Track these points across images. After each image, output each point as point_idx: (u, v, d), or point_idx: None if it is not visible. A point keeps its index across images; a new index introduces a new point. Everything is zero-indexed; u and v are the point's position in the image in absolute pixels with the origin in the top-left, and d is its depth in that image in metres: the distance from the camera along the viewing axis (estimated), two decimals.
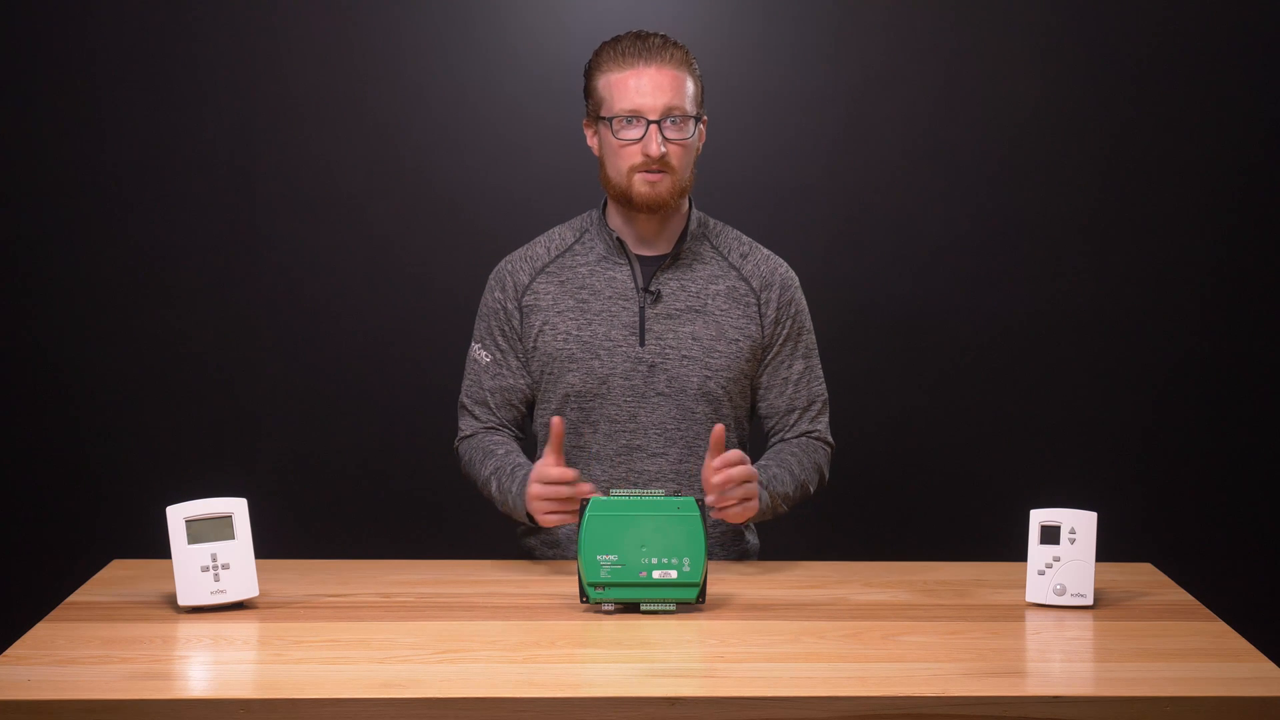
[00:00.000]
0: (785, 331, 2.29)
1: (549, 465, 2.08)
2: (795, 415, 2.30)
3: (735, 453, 2.07)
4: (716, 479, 2.05)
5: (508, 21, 3.11)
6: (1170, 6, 3.12)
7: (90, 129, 3.07)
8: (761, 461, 2.24)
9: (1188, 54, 3.13)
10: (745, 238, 2.33)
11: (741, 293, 2.27)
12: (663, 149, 2.14)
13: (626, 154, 2.17)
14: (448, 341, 2.85)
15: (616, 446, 2.25)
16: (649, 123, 2.14)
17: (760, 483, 2.16)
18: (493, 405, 2.29)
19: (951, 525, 3.21)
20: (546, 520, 2.08)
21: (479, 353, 2.31)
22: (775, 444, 2.32)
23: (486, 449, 2.26)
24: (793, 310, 2.30)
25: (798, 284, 2.32)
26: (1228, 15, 3.12)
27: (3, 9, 3.03)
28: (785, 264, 2.32)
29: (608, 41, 2.21)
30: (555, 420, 2.07)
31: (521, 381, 2.29)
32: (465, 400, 2.32)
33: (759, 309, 2.27)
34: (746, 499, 2.08)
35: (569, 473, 2.05)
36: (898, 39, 3.13)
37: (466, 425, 2.31)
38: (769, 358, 2.29)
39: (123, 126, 3.07)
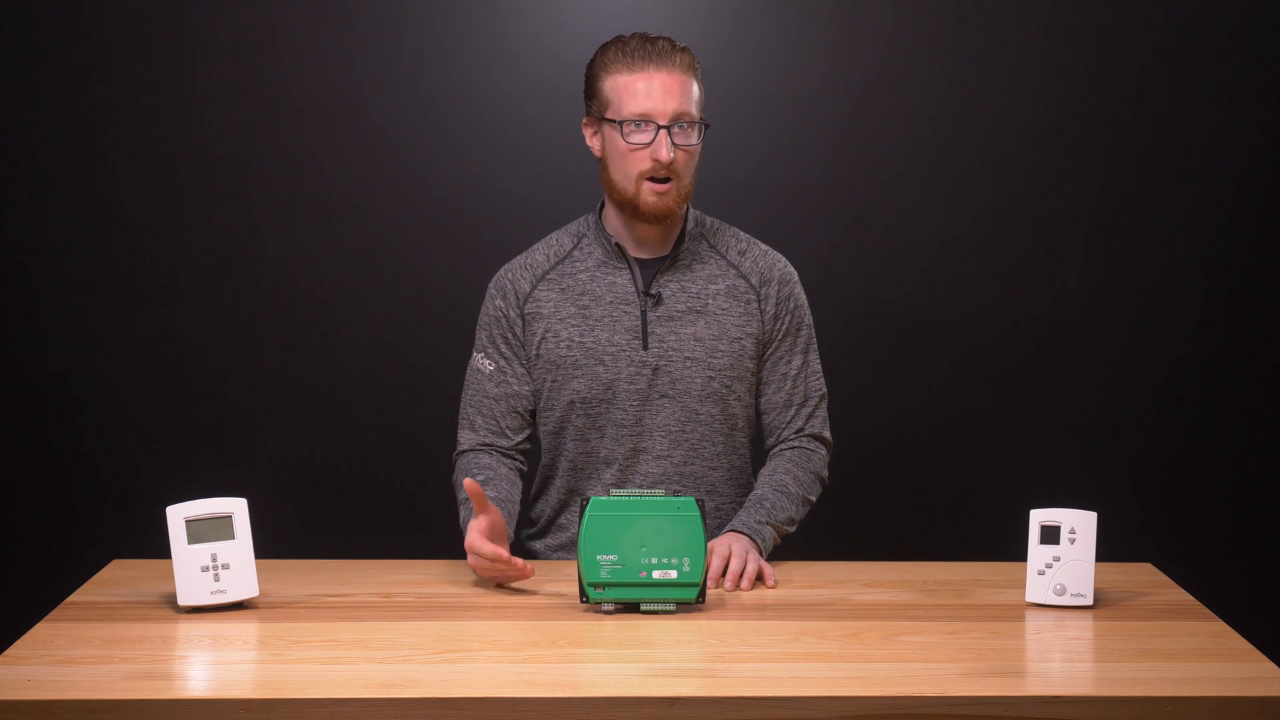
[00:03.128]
0: (784, 327, 2.29)
1: (479, 536, 1.99)
2: (793, 411, 2.30)
3: (716, 557, 2.04)
4: (727, 586, 2.03)
5: (508, 21, 3.11)
6: (1170, 7, 3.12)
7: (90, 129, 3.07)
8: (758, 492, 2.23)
9: (1187, 54, 3.13)
10: (742, 234, 2.33)
11: (741, 290, 2.27)
12: (672, 154, 2.14)
13: (635, 159, 2.15)
14: (447, 340, 2.85)
15: (624, 450, 2.25)
16: (659, 127, 2.13)
17: (761, 520, 2.16)
18: (496, 414, 2.28)
19: (951, 525, 3.21)
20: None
21: (482, 361, 2.29)
22: (771, 452, 2.31)
23: (469, 473, 2.22)
24: (791, 305, 2.29)
25: (796, 279, 2.32)
26: (1227, 16, 3.12)
27: (3, 9, 3.03)
28: (784, 259, 2.32)
29: (612, 42, 2.19)
30: (467, 483, 1.98)
31: (525, 388, 2.28)
32: (467, 410, 2.30)
33: (759, 305, 2.27)
34: (751, 567, 2.06)
35: (488, 549, 1.97)
36: (898, 39, 3.13)
37: (464, 438, 2.29)
38: (768, 353, 2.29)
39: (123, 126, 3.07)
